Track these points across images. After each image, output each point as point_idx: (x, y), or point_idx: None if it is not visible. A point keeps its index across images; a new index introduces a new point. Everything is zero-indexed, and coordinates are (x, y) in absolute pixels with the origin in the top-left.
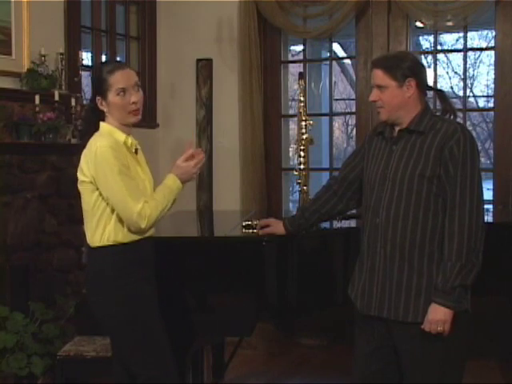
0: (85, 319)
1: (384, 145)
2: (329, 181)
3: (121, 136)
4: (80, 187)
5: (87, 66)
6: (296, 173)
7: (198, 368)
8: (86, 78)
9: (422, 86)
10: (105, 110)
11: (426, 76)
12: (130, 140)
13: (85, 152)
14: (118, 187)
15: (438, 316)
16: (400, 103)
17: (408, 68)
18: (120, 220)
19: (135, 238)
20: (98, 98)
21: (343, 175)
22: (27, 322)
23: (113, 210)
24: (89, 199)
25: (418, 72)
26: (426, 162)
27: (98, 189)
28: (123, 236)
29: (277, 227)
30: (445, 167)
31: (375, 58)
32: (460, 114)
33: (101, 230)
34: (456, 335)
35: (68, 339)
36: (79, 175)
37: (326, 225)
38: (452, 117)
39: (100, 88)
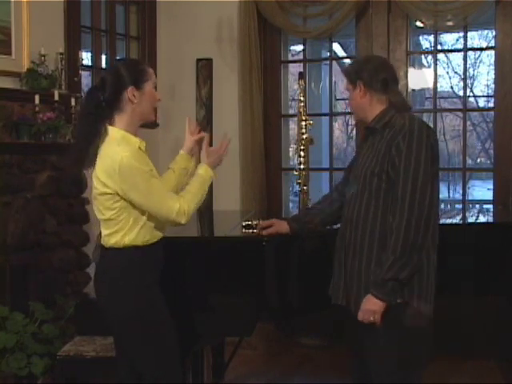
0: (85, 319)
1: (361, 145)
2: (337, 183)
3: (135, 141)
4: (99, 197)
5: (87, 66)
6: (296, 173)
7: (198, 368)
8: (85, 78)
9: (372, 86)
10: (134, 101)
11: (381, 76)
12: (143, 144)
13: (103, 163)
14: (154, 191)
15: (368, 306)
16: (358, 104)
17: (358, 71)
18: (143, 226)
19: (152, 241)
20: (130, 88)
21: (346, 175)
22: (27, 322)
23: (136, 218)
24: (111, 209)
25: (369, 73)
26: (376, 158)
27: (122, 199)
28: (142, 241)
29: (280, 226)
30: (392, 162)
31: None
32: (460, 114)
33: (121, 235)
34: (400, 328)
35: (68, 339)
36: (98, 186)
37: None
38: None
39: (135, 77)
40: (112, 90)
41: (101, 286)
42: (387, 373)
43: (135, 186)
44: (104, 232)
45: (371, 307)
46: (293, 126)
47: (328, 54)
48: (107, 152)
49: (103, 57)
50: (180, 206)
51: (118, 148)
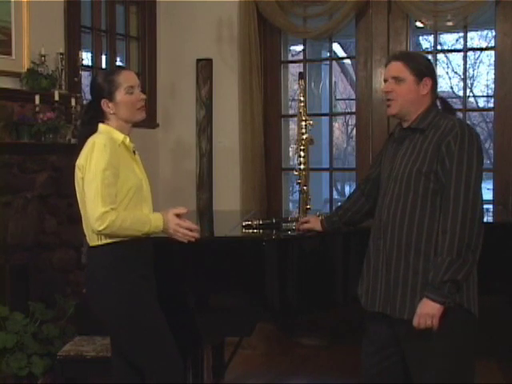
0: (85, 319)
1: (393, 145)
2: (360, 182)
3: (119, 136)
4: (76, 185)
5: (87, 66)
6: (296, 173)
7: (198, 368)
8: (85, 78)
9: (435, 87)
10: (111, 111)
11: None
12: (127, 140)
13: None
14: (95, 184)
15: (425, 310)
16: (413, 99)
17: (427, 67)
18: None
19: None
20: (103, 100)
21: (368, 174)
22: (27, 322)
23: None
24: (84, 198)
25: (434, 73)
26: (423, 158)
27: None
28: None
29: (314, 223)
30: (442, 162)
31: (394, 52)
32: (460, 114)
33: (91, 228)
34: (456, 333)
35: (68, 339)
36: (76, 172)
37: None
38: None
39: (106, 90)
40: (94, 103)
41: (88, 287)
42: (443, 377)
43: (88, 169)
44: (84, 227)
45: (429, 311)
46: (293, 126)
47: (328, 54)
48: (88, 140)
49: (103, 57)
50: (106, 213)
51: (98, 136)
